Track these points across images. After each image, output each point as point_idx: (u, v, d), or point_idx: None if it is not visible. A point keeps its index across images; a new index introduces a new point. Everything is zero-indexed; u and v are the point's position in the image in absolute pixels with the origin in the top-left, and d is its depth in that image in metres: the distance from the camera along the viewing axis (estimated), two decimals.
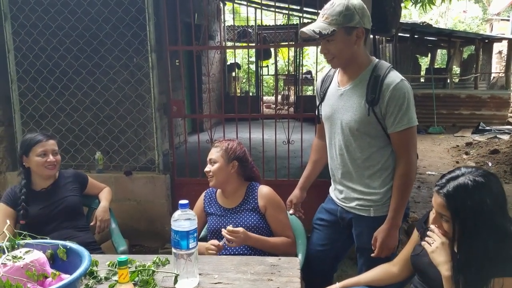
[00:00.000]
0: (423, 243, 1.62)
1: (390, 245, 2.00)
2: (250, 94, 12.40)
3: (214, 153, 2.21)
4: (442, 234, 1.57)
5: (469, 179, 1.47)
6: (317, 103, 2.22)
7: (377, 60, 2.00)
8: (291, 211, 2.35)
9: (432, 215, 1.64)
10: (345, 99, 2.00)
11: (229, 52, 11.07)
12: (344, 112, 1.99)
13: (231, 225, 2.04)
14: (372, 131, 1.96)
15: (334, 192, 2.20)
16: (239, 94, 12.08)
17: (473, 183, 1.46)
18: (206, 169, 2.22)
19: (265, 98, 15.56)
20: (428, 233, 1.62)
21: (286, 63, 12.29)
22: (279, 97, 13.27)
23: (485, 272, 1.44)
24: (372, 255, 2.03)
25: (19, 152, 2.51)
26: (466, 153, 8.05)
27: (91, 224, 2.58)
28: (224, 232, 2.00)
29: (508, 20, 16.46)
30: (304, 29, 1.91)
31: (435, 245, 1.57)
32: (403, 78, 1.92)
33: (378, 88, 1.89)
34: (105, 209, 2.62)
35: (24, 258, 1.41)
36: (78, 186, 2.63)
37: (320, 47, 2.00)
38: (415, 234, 1.86)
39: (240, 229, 2.01)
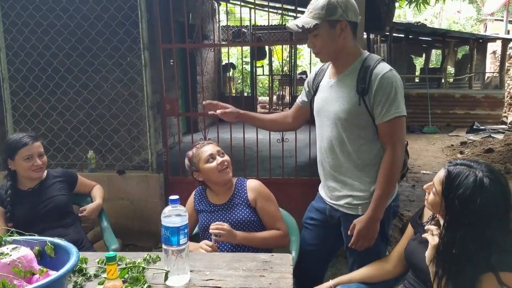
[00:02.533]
0: (425, 235, 1.60)
1: (367, 236, 1.96)
2: (245, 94, 12.37)
3: (217, 147, 2.21)
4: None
5: (475, 173, 1.45)
6: (305, 96, 2.23)
7: (368, 53, 2.00)
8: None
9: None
10: (334, 90, 1.99)
11: (224, 52, 11.05)
12: (334, 102, 1.98)
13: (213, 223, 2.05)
14: (361, 122, 1.94)
15: (323, 189, 2.18)
16: (234, 94, 12.06)
17: (476, 178, 1.44)
18: (222, 159, 2.16)
19: (260, 98, 15.56)
20: (431, 226, 1.59)
21: (281, 64, 12.29)
22: (274, 97, 13.26)
23: (467, 268, 1.43)
24: (349, 244, 2.01)
25: (3, 155, 2.45)
26: (461, 152, 8.06)
27: (80, 214, 2.55)
28: (211, 229, 2.01)
29: (502, 20, 16.50)
30: (288, 24, 1.94)
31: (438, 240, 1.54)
32: (392, 68, 1.91)
33: (368, 78, 1.88)
34: (98, 208, 2.60)
35: (11, 255, 1.39)
36: (66, 185, 2.59)
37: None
38: (409, 229, 1.85)
39: (225, 224, 2.04)
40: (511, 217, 1.46)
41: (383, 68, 1.89)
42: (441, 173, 1.54)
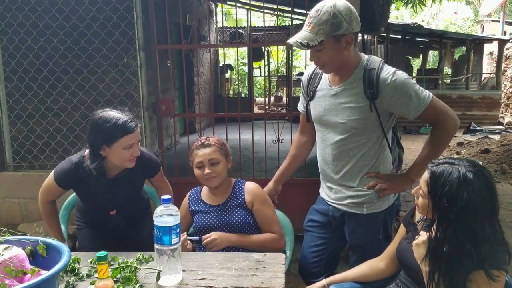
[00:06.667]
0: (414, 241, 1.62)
1: (394, 186, 2.00)
2: (242, 95, 12.38)
3: (213, 153, 2.13)
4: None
5: (458, 170, 1.46)
6: (304, 101, 2.19)
7: (366, 56, 1.97)
8: None
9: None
10: (340, 98, 1.95)
11: (221, 54, 11.05)
12: (341, 111, 1.95)
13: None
14: (370, 126, 1.93)
15: (325, 191, 2.16)
16: (231, 96, 12.07)
17: (460, 174, 1.45)
18: (208, 171, 2.10)
19: (257, 99, 15.57)
20: (421, 232, 1.61)
21: (278, 65, 12.31)
22: (272, 98, 13.27)
23: (459, 266, 1.43)
24: (367, 175, 2.00)
25: (96, 140, 2.01)
26: (457, 153, 8.08)
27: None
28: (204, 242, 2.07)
29: (498, 21, 16.55)
30: (290, 41, 1.85)
31: (421, 239, 1.56)
32: (395, 69, 1.90)
33: (374, 83, 1.86)
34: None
35: (2, 254, 1.39)
36: (143, 180, 2.37)
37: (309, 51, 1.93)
38: (402, 229, 1.85)
39: (212, 233, 2.07)
40: (497, 208, 1.47)
41: (389, 72, 1.87)
42: (426, 175, 1.56)
